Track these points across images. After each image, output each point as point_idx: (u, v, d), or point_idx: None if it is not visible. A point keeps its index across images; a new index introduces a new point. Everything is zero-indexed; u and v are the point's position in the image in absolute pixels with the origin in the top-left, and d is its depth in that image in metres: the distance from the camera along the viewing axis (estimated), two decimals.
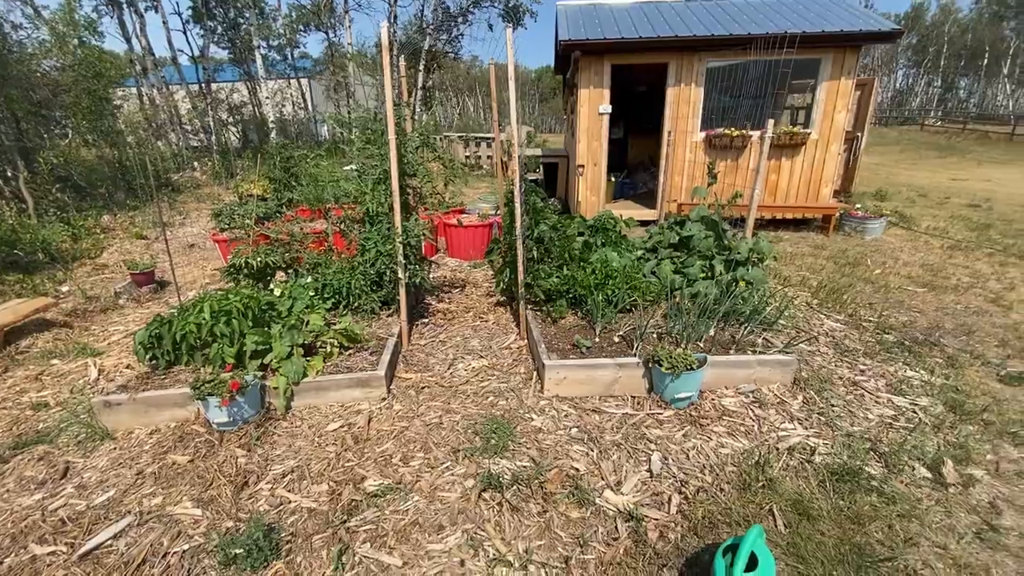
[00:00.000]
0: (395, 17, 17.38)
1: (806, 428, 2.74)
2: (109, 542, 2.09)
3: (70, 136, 11.59)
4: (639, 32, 7.02)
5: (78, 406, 3.11)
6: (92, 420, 2.86)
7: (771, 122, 3.71)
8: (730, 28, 6.99)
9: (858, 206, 7.59)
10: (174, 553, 2.03)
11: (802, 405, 2.94)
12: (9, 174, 8.31)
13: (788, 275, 5.25)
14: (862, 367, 3.38)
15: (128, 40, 14.32)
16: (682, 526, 2.12)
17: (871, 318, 4.14)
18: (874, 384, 3.17)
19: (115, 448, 2.70)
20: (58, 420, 2.98)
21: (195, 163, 13.79)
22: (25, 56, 9.36)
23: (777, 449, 2.57)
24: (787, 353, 3.13)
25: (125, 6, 14.05)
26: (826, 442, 2.62)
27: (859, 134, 8.98)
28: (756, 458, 2.48)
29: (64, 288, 5.38)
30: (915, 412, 2.88)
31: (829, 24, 6.82)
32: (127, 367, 3.61)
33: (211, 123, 15.94)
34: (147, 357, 3.08)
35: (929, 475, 2.39)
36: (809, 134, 7.14)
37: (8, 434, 2.89)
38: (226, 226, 6.01)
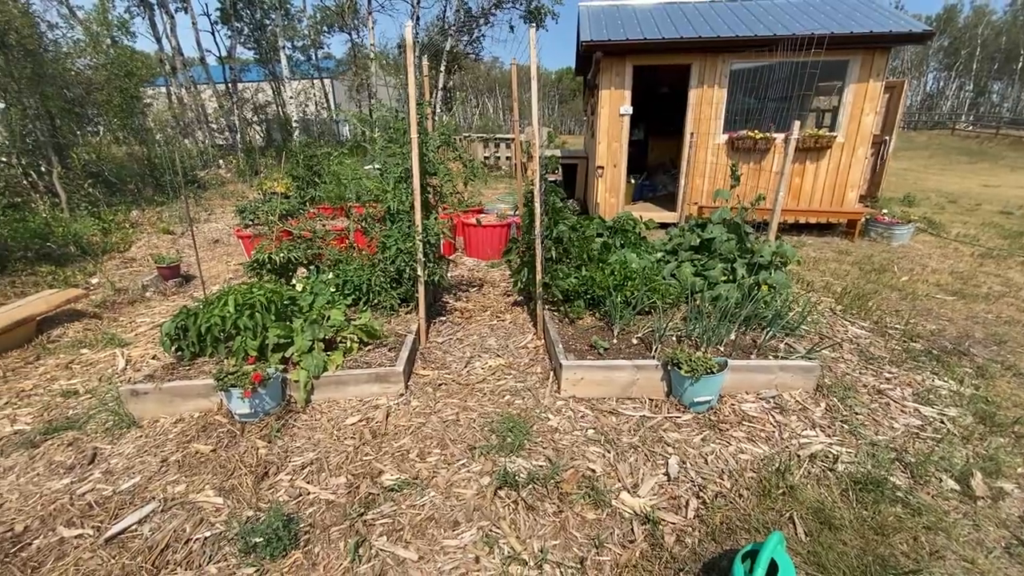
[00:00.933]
0: (417, 18, 17.55)
1: (829, 436, 2.69)
2: (134, 527, 2.15)
3: (101, 133, 11.94)
4: (662, 33, 6.97)
5: (106, 394, 3.20)
6: (119, 408, 2.94)
7: (796, 124, 3.65)
8: (755, 29, 6.90)
9: (885, 211, 7.42)
10: (196, 539, 2.07)
11: (825, 412, 2.88)
12: (44, 169, 8.60)
13: (811, 280, 5.15)
14: (887, 375, 3.30)
15: (158, 40, 14.70)
16: (699, 531, 2.09)
17: (897, 325, 4.04)
18: (900, 393, 3.10)
19: (141, 436, 2.77)
20: (87, 407, 3.08)
21: (220, 161, 14.08)
22: (60, 55, 9.67)
23: (798, 456, 2.52)
24: (810, 359, 3.08)
25: (156, 7, 14.42)
26: (849, 450, 2.56)
27: (887, 138, 8.77)
28: (776, 464, 2.44)
29: (94, 280, 5.54)
30: (943, 423, 2.80)
31: (857, 25, 6.68)
32: (153, 357, 3.71)
33: (236, 122, 16.28)
34: (173, 348, 3.16)
35: (957, 487, 2.32)
36: (835, 137, 7.00)
37: (39, 420, 2.98)
38: (250, 222, 6.13)
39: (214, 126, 16.31)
